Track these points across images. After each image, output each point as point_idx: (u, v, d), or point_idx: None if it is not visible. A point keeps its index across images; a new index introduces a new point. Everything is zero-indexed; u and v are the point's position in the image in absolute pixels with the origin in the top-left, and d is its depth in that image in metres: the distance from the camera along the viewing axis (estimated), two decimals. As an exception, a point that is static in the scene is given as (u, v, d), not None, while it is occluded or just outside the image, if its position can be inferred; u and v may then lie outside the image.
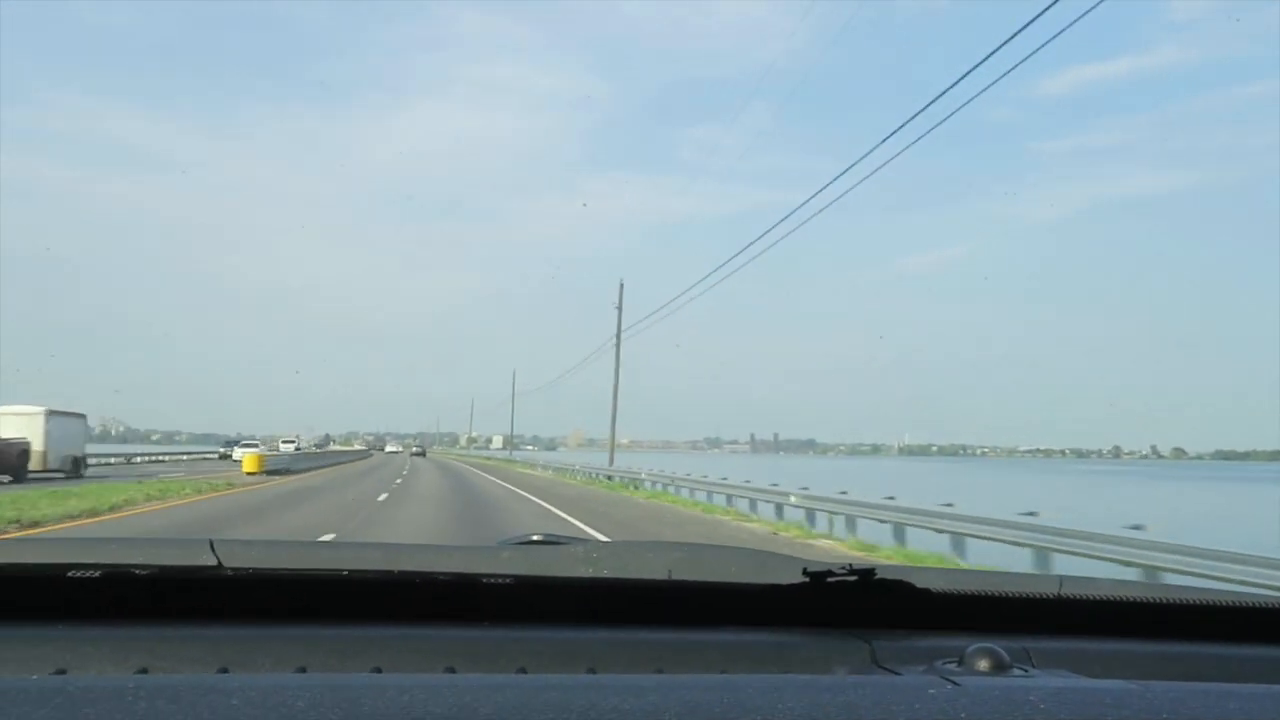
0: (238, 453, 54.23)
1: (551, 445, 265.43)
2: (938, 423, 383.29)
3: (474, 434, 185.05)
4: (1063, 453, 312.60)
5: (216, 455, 67.09)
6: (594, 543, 1.56)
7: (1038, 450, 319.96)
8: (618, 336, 44.52)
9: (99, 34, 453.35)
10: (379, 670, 1.09)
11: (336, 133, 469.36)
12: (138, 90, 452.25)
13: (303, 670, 1.07)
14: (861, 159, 18.53)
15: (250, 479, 33.14)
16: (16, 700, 0.75)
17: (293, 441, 78.03)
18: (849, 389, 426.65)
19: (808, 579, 1.26)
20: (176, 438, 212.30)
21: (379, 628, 1.20)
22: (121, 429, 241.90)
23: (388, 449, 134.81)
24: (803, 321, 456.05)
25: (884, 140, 16.89)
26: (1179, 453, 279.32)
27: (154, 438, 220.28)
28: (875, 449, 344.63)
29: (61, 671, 1.04)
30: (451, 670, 1.10)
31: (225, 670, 1.06)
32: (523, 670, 1.11)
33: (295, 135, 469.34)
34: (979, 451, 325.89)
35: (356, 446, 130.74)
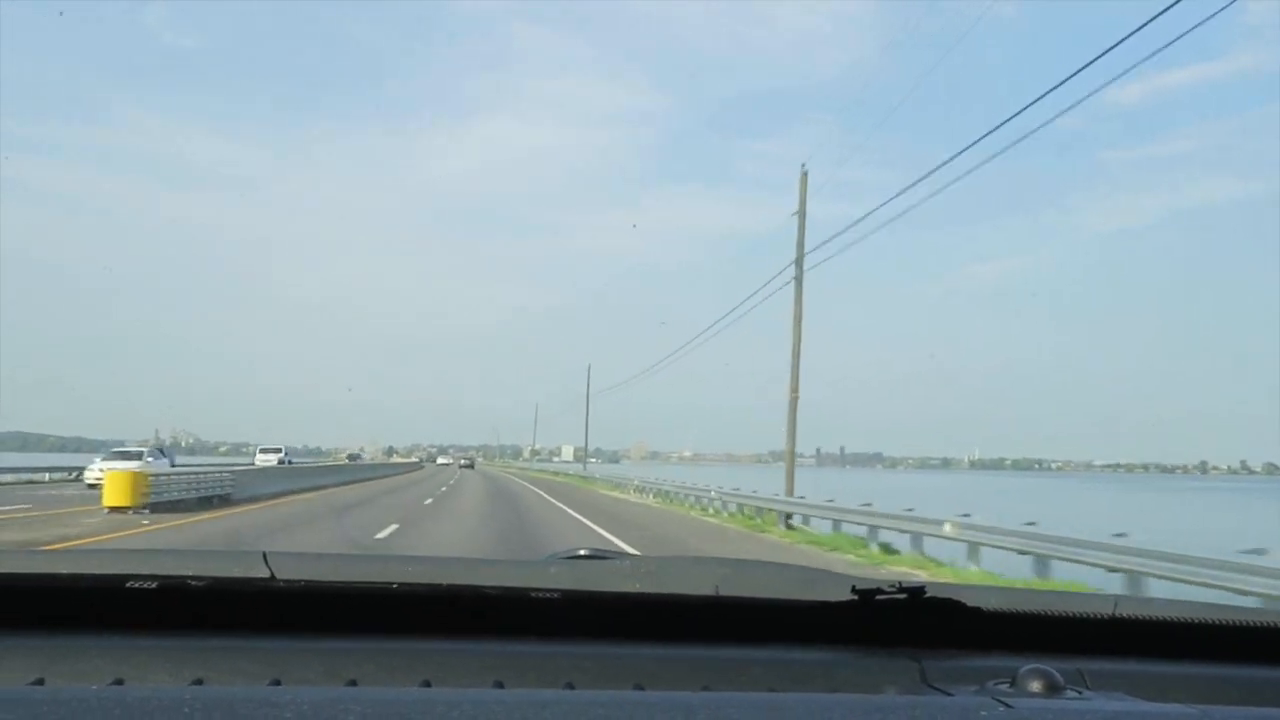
0: (92, 471, 30.20)
1: (615, 458, 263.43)
2: (1007, 436, 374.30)
3: (537, 445, 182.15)
4: (1145, 467, 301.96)
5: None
6: (642, 557, 1.54)
7: (1118, 465, 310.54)
8: (798, 261, 25.57)
9: (172, 54, 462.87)
10: (428, 684, 1.10)
11: (400, 149, 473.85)
12: (206, 109, 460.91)
13: (353, 683, 1.09)
14: (933, 171, 17.26)
15: (91, 524, 18.06)
16: (77, 710, 0.77)
17: (277, 451, 55.03)
18: (914, 401, 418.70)
19: (857, 597, 1.24)
20: (244, 449, 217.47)
21: (428, 641, 1.21)
22: (191, 440, 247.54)
23: (439, 461, 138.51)
24: (867, 332, 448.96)
25: (959, 153, 16.35)
26: (1271, 468, 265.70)
27: (222, 450, 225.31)
28: (946, 462, 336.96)
29: (119, 682, 1.06)
30: (499, 684, 1.10)
31: (278, 682, 1.08)
32: (570, 685, 1.11)
33: (359, 152, 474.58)
34: (1053, 465, 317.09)
35: (412, 459, 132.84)
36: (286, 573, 1.23)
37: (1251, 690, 1.24)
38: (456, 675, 1.12)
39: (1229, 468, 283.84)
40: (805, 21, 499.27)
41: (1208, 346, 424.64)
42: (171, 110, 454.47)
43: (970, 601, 1.27)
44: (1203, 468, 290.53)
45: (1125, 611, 1.35)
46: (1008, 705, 0.86)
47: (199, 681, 1.06)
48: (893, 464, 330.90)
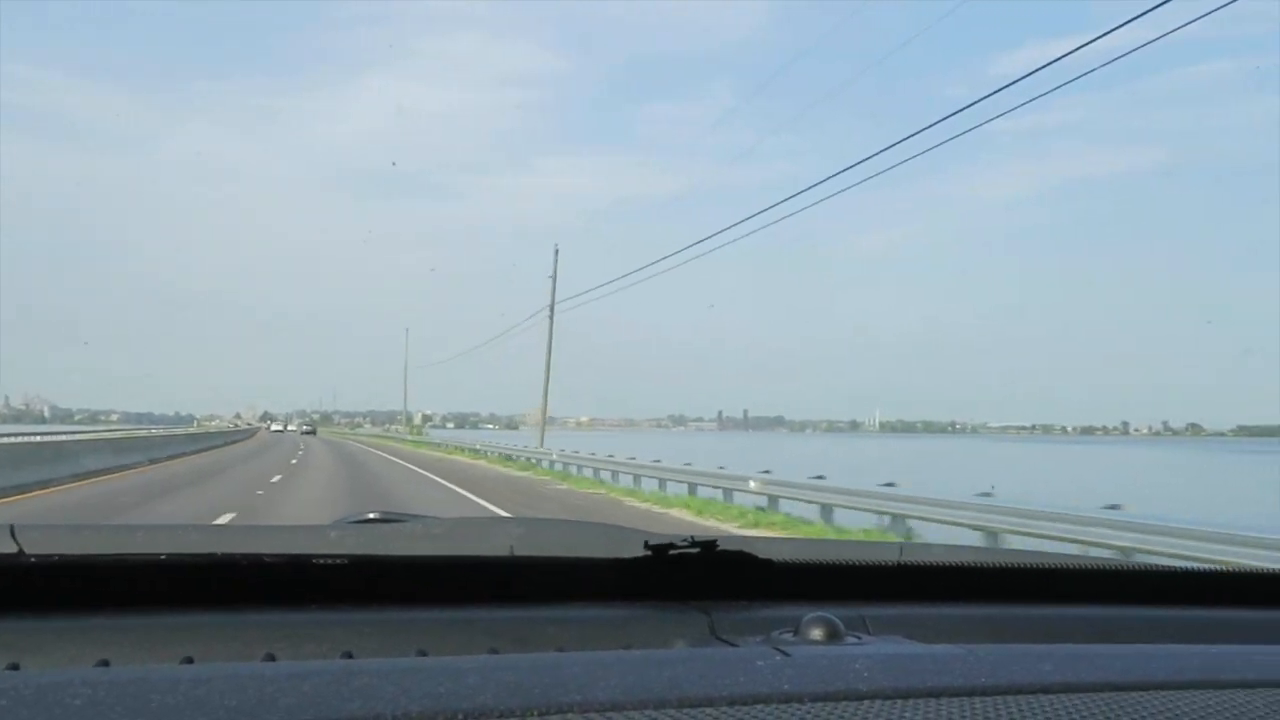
0: None
1: (513, 424, 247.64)
2: (918, 399, 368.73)
3: (428, 412, 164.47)
4: (1065, 429, 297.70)
5: None
6: (433, 519, 1.52)
7: (1034, 427, 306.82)
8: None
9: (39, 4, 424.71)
10: (190, 660, 1.02)
11: (281, 108, 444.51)
12: (81, 62, 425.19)
13: (105, 663, 1.00)
14: (847, 169, 19.79)
15: None
16: None
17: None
18: (821, 365, 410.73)
19: (650, 552, 1.24)
20: (103, 417, 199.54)
21: (195, 614, 1.13)
22: (47, 409, 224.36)
23: (273, 428, 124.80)
24: (770, 297, 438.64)
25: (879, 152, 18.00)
26: (1195, 429, 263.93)
27: (77, 418, 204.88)
28: (854, 425, 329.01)
29: None
30: (271, 657, 1.04)
31: (16, 666, 0.99)
32: (349, 655, 1.05)
33: (240, 111, 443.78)
34: (963, 429, 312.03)
35: (242, 425, 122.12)
36: (37, 547, 1.13)
37: (1021, 628, 1.30)
38: (225, 649, 1.05)
39: (1149, 429, 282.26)
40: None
41: (1133, 309, 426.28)
42: (33, 60, 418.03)
43: (761, 553, 1.28)
44: (1124, 428, 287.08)
45: (908, 558, 1.42)
46: (785, 654, 0.87)
47: None
48: (799, 427, 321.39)
